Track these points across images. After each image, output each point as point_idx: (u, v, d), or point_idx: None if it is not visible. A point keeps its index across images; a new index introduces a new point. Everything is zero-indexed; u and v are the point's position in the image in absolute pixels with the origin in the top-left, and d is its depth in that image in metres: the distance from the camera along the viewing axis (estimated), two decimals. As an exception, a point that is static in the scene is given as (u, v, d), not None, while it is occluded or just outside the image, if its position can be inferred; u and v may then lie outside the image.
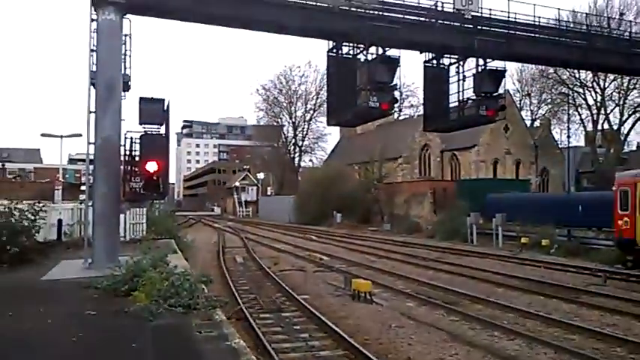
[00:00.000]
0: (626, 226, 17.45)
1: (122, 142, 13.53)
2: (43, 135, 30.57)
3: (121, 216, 17.41)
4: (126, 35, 14.11)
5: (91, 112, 13.33)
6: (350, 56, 18.16)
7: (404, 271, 18.61)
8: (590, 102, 51.42)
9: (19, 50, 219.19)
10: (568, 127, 44.49)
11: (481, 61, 18.95)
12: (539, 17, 20.59)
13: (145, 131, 13.40)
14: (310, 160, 76.76)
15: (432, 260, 22.18)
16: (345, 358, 8.62)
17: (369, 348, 9.08)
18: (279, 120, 73.51)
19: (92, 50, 13.61)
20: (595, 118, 51.78)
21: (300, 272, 18.80)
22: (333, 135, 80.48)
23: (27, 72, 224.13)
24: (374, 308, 12.68)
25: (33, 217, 14.47)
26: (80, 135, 26.54)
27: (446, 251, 25.83)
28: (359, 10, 16.90)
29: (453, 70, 20.13)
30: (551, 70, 49.62)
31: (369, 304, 13.01)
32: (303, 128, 72.81)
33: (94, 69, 13.54)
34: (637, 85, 47.33)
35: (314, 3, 16.61)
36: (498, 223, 28.49)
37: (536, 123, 62.08)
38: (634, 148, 65.88)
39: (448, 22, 19.17)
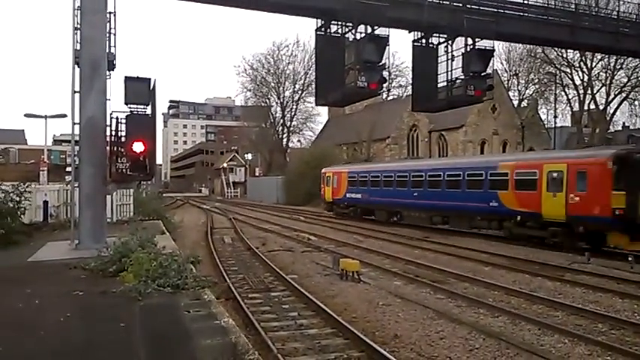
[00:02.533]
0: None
1: (108, 123, 13.36)
2: (26, 115, 30.09)
3: (108, 197, 17.30)
4: (110, 13, 13.87)
5: (75, 92, 13.16)
6: (338, 35, 18.05)
7: (391, 251, 18.76)
8: (577, 82, 51.69)
9: (1, 29, 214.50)
10: (555, 107, 44.76)
11: (470, 41, 18.93)
12: (528, -4, 20.54)
13: (130, 111, 13.21)
14: (299, 141, 76.57)
15: (418, 239, 22.37)
16: (333, 336, 8.72)
17: (357, 325, 9.19)
18: (267, 100, 72.92)
19: (76, 28, 13.37)
20: (582, 98, 52.09)
21: (289, 252, 18.88)
22: (321, 115, 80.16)
23: (9, 51, 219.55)
24: (361, 287, 12.81)
25: (18, 199, 14.35)
26: (65, 115, 26.16)
27: (432, 230, 26.03)
28: (347, -13, 16.73)
29: (441, 49, 20.14)
30: (539, 49, 49.65)
31: (356, 283, 13.14)
32: (292, 108, 72.37)
33: (78, 47, 13.31)
34: (624, 65, 47.56)
35: (302, -20, 16.41)
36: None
37: (524, 103, 62.33)
38: (619, 127, 66.60)
39: (437, 1, 19.09)
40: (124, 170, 13.22)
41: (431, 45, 20.37)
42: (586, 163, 18.52)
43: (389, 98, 71.08)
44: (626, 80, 49.15)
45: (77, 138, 13.34)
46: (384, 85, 20.18)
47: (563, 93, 52.79)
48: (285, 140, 73.92)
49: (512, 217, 20.97)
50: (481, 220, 23.08)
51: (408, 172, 28.56)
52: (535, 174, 20.11)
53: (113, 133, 13.39)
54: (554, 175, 19.22)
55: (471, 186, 23.31)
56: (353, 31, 17.41)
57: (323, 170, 38.32)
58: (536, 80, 58.05)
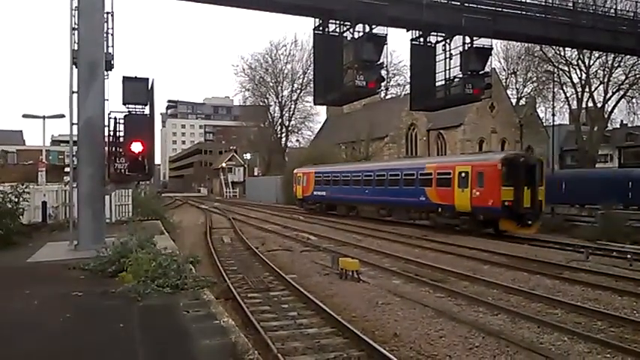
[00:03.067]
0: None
1: (106, 123, 13.33)
2: (24, 116, 30.02)
3: (107, 197, 17.28)
4: (108, 13, 13.83)
5: (73, 92, 13.13)
6: (337, 34, 18.05)
7: (391, 250, 18.77)
8: (575, 80, 51.73)
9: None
10: (553, 105, 44.78)
11: (468, 39, 18.94)
12: (526, -6, 20.54)
13: (129, 111, 13.19)
14: (297, 140, 76.48)
15: (418, 238, 22.38)
16: (332, 335, 8.72)
17: (356, 325, 9.19)
18: (266, 100, 72.86)
19: (74, 29, 13.34)
20: (580, 96, 52.14)
21: (288, 252, 18.87)
22: (320, 115, 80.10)
23: (7, 52, 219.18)
24: (361, 286, 12.81)
25: (16, 200, 14.32)
26: (63, 116, 26.11)
27: (432, 229, 26.05)
28: (345, -13, 16.71)
29: (439, 48, 20.14)
30: (537, 47, 49.70)
31: (356, 283, 13.14)
32: (290, 108, 72.34)
33: (76, 48, 13.28)
34: (621, 63, 47.62)
35: (300, -20, 16.39)
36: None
37: (522, 101, 62.40)
38: (617, 125, 66.66)
39: (435, 0, 19.08)
40: (122, 170, 13.19)
41: (429, 44, 20.39)
42: (483, 165, 22.96)
43: (387, 97, 71.16)
44: (623, 78, 49.22)
45: (75, 138, 13.31)
46: (383, 84, 20.17)
47: (561, 91, 52.87)
48: (283, 140, 73.90)
49: (435, 209, 25.48)
50: (414, 212, 27.88)
51: (361, 173, 33.36)
52: (450, 174, 24.36)
53: (111, 133, 13.36)
54: (463, 174, 23.44)
55: (407, 184, 27.99)
56: (351, 30, 17.42)
57: (295, 171, 43.49)
58: (535, 78, 58.12)
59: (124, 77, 13.11)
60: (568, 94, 53.76)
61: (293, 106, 72.15)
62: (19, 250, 13.06)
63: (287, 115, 72.49)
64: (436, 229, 24.59)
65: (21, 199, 14.55)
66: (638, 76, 47.96)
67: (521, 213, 21.48)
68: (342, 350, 7.97)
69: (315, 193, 38.86)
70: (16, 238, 13.99)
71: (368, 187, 31.98)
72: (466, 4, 19.54)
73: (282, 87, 71.58)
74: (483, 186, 22.41)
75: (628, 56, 41.48)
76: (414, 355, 7.98)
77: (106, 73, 13.66)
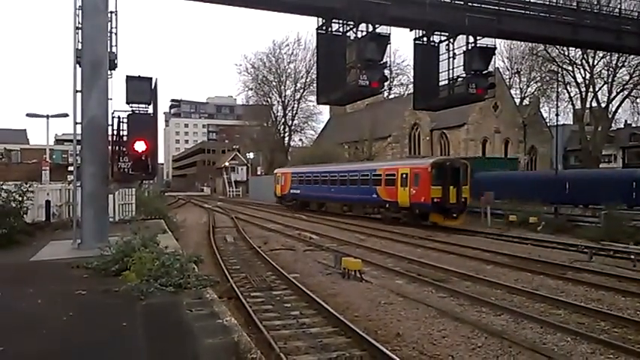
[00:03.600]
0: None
1: (109, 122, 13.35)
2: (28, 115, 30.09)
3: (110, 196, 17.31)
4: (111, 12, 13.85)
5: (77, 92, 13.15)
6: (340, 34, 18.03)
7: (393, 250, 18.75)
8: (579, 80, 51.63)
9: (2, 29, 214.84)
10: (557, 105, 44.62)
11: (471, 39, 18.90)
12: (530, -6, 20.48)
13: (132, 110, 13.20)
14: (300, 140, 76.50)
15: (420, 238, 22.36)
16: (335, 335, 8.72)
17: (359, 324, 9.19)
18: (269, 99, 72.87)
19: (77, 28, 13.36)
20: (584, 96, 52.00)
21: (291, 251, 18.88)
22: (323, 114, 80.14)
23: (11, 51, 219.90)
24: (364, 286, 12.80)
25: (20, 199, 14.36)
26: (66, 115, 26.15)
27: (435, 229, 26.03)
28: (348, -14, 16.69)
29: (443, 47, 20.11)
30: (541, 47, 49.59)
31: (358, 282, 13.14)
32: (293, 107, 72.33)
33: (80, 47, 13.31)
34: (626, 63, 47.48)
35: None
36: (487, 201, 28.70)
37: (525, 101, 62.27)
38: (621, 125, 66.45)
39: (438, -1, 19.05)
40: (125, 169, 13.21)
41: (432, 43, 20.35)
42: (418, 168, 27.69)
43: (390, 97, 71.08)
44: (628, 78, 49.08)
45: (79, 137, 13.34)
46: (386, 84, 20.15)
47: (565, 91, 52.77)
48: (286, 139, 73.91)
49: (384, 205, 30.17)
50: (369, 207, 32.78)
51: (328, 174, 37.90)
52: (394, 175, 29.08)
53: (115, 132, 13.38)
54: (404, 176, 28.17)
55: (362, 184, 32.58)
56: (354, 29, 17.40)
57: (275, 171, 49.38)
58: (538, 78, 58.04)
59: (127, 76, 13.14)
60: (572, 94, 53.70)
61: (296, 106, 72.20)
62: (22, 249, 13.09)
63: (290, 114, 72.53)
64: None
65: (25, 198, 14.59)
66: (642, 75, 47.81)
67: (448, 208, 26.22)
68: (345, 350, 7.97)
69: (291, 191, 43.64)
70: (19, 237, 14.02)
71: (333, 186, 36.76)
72: (470, 4, 19.50)
73: (285, 86, 71.62)
74: (418, 185, 27.07)
75: (632, 56, 41.36)
76: (416, 355, 7.97)
77: (109, 72, 13.69)
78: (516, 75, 61.57)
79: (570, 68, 51.04)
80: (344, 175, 35.68)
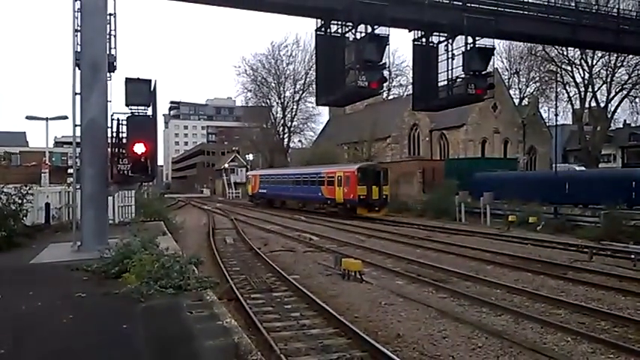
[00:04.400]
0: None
1: (109, 124, 13.34)
2: (28, 118, 30.01)
3: (110, 198, 17.29)
4: (110, 14, 13.84)
5: (76, 94, 13.14)
6: (338, 35, 18.03)
7: (393, 250, 18.75)
8: (578, 80, 51.61)
9: (2, 31, 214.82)
10: (556, 105, 44.62)
11: (470, 39, 18.90)
12: (528, -6, 20.48)
13: (131, 112, 13.20)
14: (299, 141, 76.44)
15: (420, 239, 22.36)
16: (335, 336, 8.72)
17: (359, 325, 9.19)
18: (268, 101, 72.81)
19: (76, 30, 13.37)
20: (582, 96, 52.01)
21: (291, 252, 18.88)
22: (322, 115, 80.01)
23: (10, 53, 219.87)
24: (364, 287, 12.80)
25: (20, 201, 14.35)
26: (66, 117, 26.09)
27: (435, 230, 26.05)
28: (347, -13, 16.69)
29: (442, 48, 20.10)
30: (540, 47, 49.60)
31: (358, 283, 13.13)
32: (292, 109, 72.27)
33: (79, 49, 13.31)
34: (624, 63, 47.49)
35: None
36: (486, 201, 28.76)
37: (525, 101, 62.29)
38: (620, 125, 66.48)
39: (437, 0, 19.05)
40: (125, 171, 13.20)
41: (431, 44, 20.35)
42: (348, 172, 34.94)
43: (389, 97, 71.07)
44: (626, 78, 49.09)
45: (78, 140, 13.33)
46: (385, 85, 20.16)
47: (564, 91, 52.76)
48: (286, 140, 73.87)
49: (326, 201, 37.54)
50: (316, 204, 39.71)
51: (287, 176, 45.87)
52: (333, 177, 36.40)
53: (114, 134, 13.37)
54: (339, 177, 35.57)
55: (312, 184, 39.74)
56: (353, 30, 17.41)
57: (247, 173, 61.34)
58: (537, 78, 58.02)
59: (126, 79, 13.13)
60: (571, 94, 53.72)
61: (295, 107, 72.15)
62: (22, 252, 13.08)
63: (289, 115, 72.49)
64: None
65: (25, 200, 14.58)
66: (641, 75, 47.82)
67: (371, 203, 33.48)
68: (345, 351, 7.97)
69: (259, 190, 51.58)
70: (19, 240, 14.01)
71: (291, 186, 43.73)
72: (468, 4, 19.51)
73: (284, 87, 71.60)
74: (349, 185, 34.36)
75: (631, 56, 41.38)
76: (417, 356, 7.97)
77: (108, 74, 13.68)
78: (515, 75, 61.61)
79: (569, 68, 51.07)
80: (298, 177, 42.85)
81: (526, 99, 62.28)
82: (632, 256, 15.89)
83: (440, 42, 20.17)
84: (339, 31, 18.05)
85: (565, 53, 49.50)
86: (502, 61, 59.50)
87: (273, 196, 48.23)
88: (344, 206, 35.28)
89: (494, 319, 9.92)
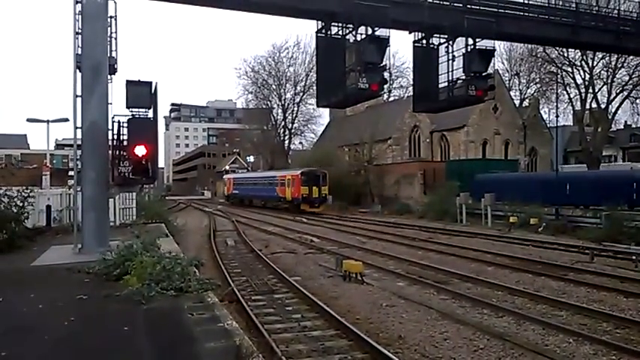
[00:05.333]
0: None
1: (110, 127, 13.35)
2: (29, 120, 30.08)
3: (111, 201, 17.31)
4: (111, 17, 13.87)
5: (77, 97, 13.15)
6: (339, 37, 18.02)
7: (394, 252, 18.75)
8: (579, 81, 51.51)
9: (2, 34, 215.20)
10: (556, 106, 44.55)
11: (470, 41, 18.89)
12: (528, -4, 20.47)
13: (132, 115, 13.22)
14: (300, 143, 76.44)
15: (422, 240, 22.36)
16: (336, 338, 8.71)
17: (361, 327, 9.19)
18: (269, 102, 72.86)
19: (77, 33, 13.37)
20: (583, 97, 51.91)
21: (292, 254, 18.88)
22: (323, 117, 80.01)
23: (11, 56, 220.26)
24: (365, 288, 12.80)
25: (21, 204, 14.36)
26: (67, 120, 26.16)
27: (436, 231, 26.05)
28: (347, -11, 16.68)
29: (442, 49, 20.08)
30: (540, 49, 49.56)
31: (360, 285, 13.13)
32: (293, 110, 72.30)
33: (80, 52, 13.32)
34: (625, 64, 47.42)
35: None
36: (487, 203, 28.76)
37: (525, 103, 62.26)
38: (621, 126, 66.43)
39: (437, 1, 19.06)
40: (126, 174, 13.20)
41: (432, 45, 20.33)
42: (294, 175, 43.73)
43: (390, 99, 71.05)
44: (627, 79, 48.98)
45: (79, 142, 13.34)
46: (385, 86, 20.13)
47: (564, 92, 52.65)
48: (286, 142, 73.90)
49: (280, 199, 46.20)
50: (273, 201, 48.36)
51: (253, 178, 57.72)
52: (285, 178, 45.35)
53: (115, 136, 13.39)
54: (288, 180, 44.40)
55: (269, 185, 49.02)
56: (353, 32, 17.39)
57: (223, 176, 72.32)
58: (538, 80, 58.01)
59: (127, 81, 13.15)
60: (571, 95, 53.62)
61: (296, 109, 72.18)
62: (23, 254, 13.09)
63: (290, 117, 72.51)
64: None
65: (26, 203, 14.59)
66: (641, 76, 47.73)
67: (311, 200, 42.33)
68: (347, 353, 7.97)
69: (233, 191, 61.96)
70: (20, 242, 14.02)
71: (256, 187, 54.21)
72: (468, 6, 19.50)
73: (284, 89, 71.64)
74: (295, 186, 43.15)
75: (631, 57, 41.33)
76: (418, 358, 7.96)
77: (109, 77, 13.70)
78: (516, 76, 61.61)
79: (570, 69, 50.98)
80: (261, 180, 53.09)
81: (527, 100, 62.26)
82: (634, 257, 15.87)
83: (440, 43, 20.15)
84: (340, 32, 18.04)
85: (565, 54, 49.46)
86: (503, 63, 59.56)
87: (243, 196, 57.84)
88: (292, 203, 43.69)
89: (495, 320, 9.91)
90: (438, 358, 7.93)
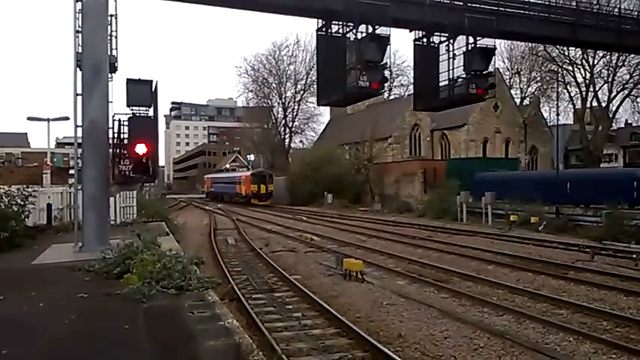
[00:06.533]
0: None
1: (110, 125, 13.37)
2: (29, 119, 30.02)
3: (111, 199, 17.32)
4: (111, 15, 13.86)
5: (77, 95, 13.16)
6: (339, 35, 18.00)
7: (395, 250, 18.75)
8: (580, 79, 51.60)
9: (3, 33, 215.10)
10: (557, 104, 44.48)
11: (471, 39, 18.87)
12: (529, -6, 20.44)
13: (133, 113, 13.23)
14: (301, 141, 76.53)
15: (422, 239, 22.36)
16: (337, 336, 8.72)
17: (361, 325, 9.20)
18: (269, 101, 72.94)
19: (77, 31, 13.37)
20: (584, 96, 51.98)
21: (292, 253, 18.89)
22: (323, 115, 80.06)
23: (11, 55, 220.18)
24: (365, 287, 12.81)
25: (22, 202, 14.36)
26: (67, 118, 26.07)
27: (436, 230, 26.04)
28: (348, -13, 16.66)
29: (443, 48, 20.06)
30: (541, 47, 49.60)
31: (360, 283, 13.14)
32: (293, 109, 72.39)
33: (80, 50, 13.32)
34: (626, 62, 47.46)
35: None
36: (488, 201, 28.75)
37: (526, 101, 62.25)
38: (622, 125, 66.40)
39: (438, 0, 19.03)
40: (126, 172, 13.22)
41: (432, 44, 20.31)
42: (246, 175, 56.89)
43: (391, 98, 71.08)
44: (628, 77, 49.07)
45: (80, 140, 13.35)
46: (386, 85, 20.10)
47: (565, 91, 52.75)
48: (287, 141, 73.95)
49: (239, 195, 56.59)
50: (235, 197, 58.53)
51: (223, 178, 68.50)
52: (241, 178, 57.80)
53: (115, 135, 13.41)
54: (243, 179, 56.66)
55: (232, 184, 60.34)
56: (354, 30, 17.37)
57: (205, 176, 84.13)
58: (538, 78, 58.05)
59: (127, 79, 13.17)
60: (572, 94, 53.70)
61: (296, 107, 72.28)
62: (24, 252, 13.10)
63: (290, 116, 72.62)
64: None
65: (27, 202, 14.60)
66: (642, 75, 47.73)
67: (259, 195, 53.21)
68: (347, 351, 7.97)
69: (210, 189, 73.05)
70: (21, 241, 14.02)
71: (225, 185, 64.90)
72: (469, 4, 19.49)
73: (285, 88, 71.73)
74: (246, 184, 54.42)
75: (632, 55, 41.34)
76: (418, 356, 7.97)
77: (109, 75, 13.70)
78: (516, 75, 61.59)
79: (570, 68, 51.06)
80: (228, 179, 64.99)
81: (527, 99, 62.28)
82: (634, 256, 15.87)
83: (441, 42, 20.13)
84: (340, 31, 18.02)
85: (566, 53, 49.52)
86: (503, 61, 59.56)
87: (217, 193, 67.72)
88: (245, 198, 54.53)
89: (495, 319, 9.92)
90: (438, 357, 7.94)
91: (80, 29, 13.33)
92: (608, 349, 8.11)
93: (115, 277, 9.39)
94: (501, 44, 53.31)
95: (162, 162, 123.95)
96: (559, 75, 47.85)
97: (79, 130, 13.22)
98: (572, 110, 57.25)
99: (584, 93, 51.68)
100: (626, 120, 65.49)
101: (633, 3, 34.84)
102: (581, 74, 51.00)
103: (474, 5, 19.56)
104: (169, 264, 9.01)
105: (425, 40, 20.36)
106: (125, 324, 6.76)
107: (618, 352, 8.00)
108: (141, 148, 12.76)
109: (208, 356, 5.63)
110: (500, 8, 20.17)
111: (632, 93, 50.10)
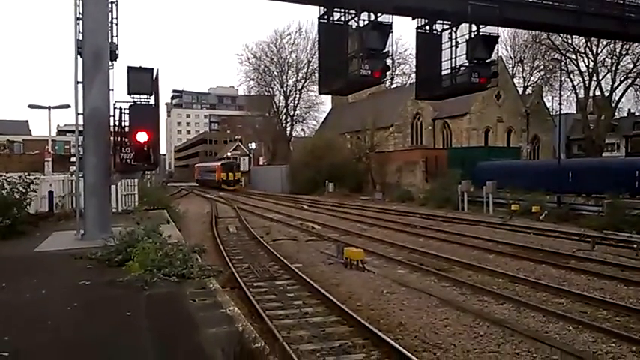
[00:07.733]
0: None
1: (111, 113, 13.35)
2: (30, 106, 30.05)
3: (113, 187, 17.34)
4: (112, 2, 13.78)
5: (78, 83, 13.12)
6: (341, 22, 17.86)
7: (396, 239, 18.79)
8: (583, 68, 51.31)
9: (3, 20, 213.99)
10: (560, 93, 44.23)
11: (474, 27, 18.72)
12: (533, -18, 20.21)
13: (134, 101, 13.19)
14: (302, 130, 76.36)
15: (423, 228, 22.38)
16: (337, 324, 8.77)
17: (362, 313, 9.24)
18: (271, 89, 72.66)
19: (78, 19, 13.31)
20: (587, 85, 51.73)
21: (293, 241, 18.93)
22: (325, 104, 79.96)
23: (13, 42, 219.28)
24: (366, 275, 12.85)
25: (24, 190, 14.40)
26: (68, 106, 26.08)
27: (437, 219, 26.06)
28: (350, -26, 16.49)
29: (445, 36, 19.89)
30: (544, 35, 49.28)
31: (361, 272, 13.18)
32: (295, 97, 72.12)
33: (81, 38, 13.26)
34: (629, 51, 47.15)
35: (304, -32, 16.18)
36: (489, 190, 28.73)
37: (528, 90, 61.97)
38: (625, 114, 66.11)
39: (441, -13, 18.83)
40: (128, 160, 13.22)
41: (435, 32, 20.14)
42: (218, 165, 69.85)
43: (392, 86, 70.77)
44: (631, 66, 48.80)
45: (81, 128, 13.34)
46: (388, 73, 19.98)
47: (568, 79, 52.43)
48: (288, 129, 73.79)
49: (216, 181, 66.01)
50: (212, 184, 66.90)
51: (206, 167, 78.58)
52: (216, 167, 69.36)
53: (117, 123, 13.38)
54: (216, 168, 68.79)
55: (212, 172, 70.75)
56: (356, 18, 17.23)
57: (195, 165, 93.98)
58: (541, 67, 57.72)
59: (128, 67, 13.10)
60: (575, 83, 53.41)
61: (298, 96, 72.01)
62: (26, 240, 13.16)
63: (292, 104, 72.37)
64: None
65: (29, 189, 14.63)
66: (646, 64, 47.45)
67: (228, 182, 63.75)
68: (348, 339, 8.01)
69: (199, 177, 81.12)
70: (23, 228, 14.08)
71: (207, 173, 73.83)
72: (472, -8, 19.28)
73: (286, 76, 71.41)
74: (217, 173, 66.33)
75: (636, 44, 41.03)
76: (419, 344, 8.01)
77: (110, 63, 13.65)
78: (519, 64, 61.29)
79: (573, 56, 50.78)
80: (209, 168, 73.54)
81: (530, 87, 61.99)
82: (635, 246, 15.89)
83: (443, 30, 19.95)
84: (342, 19, 17.88)
85: (570, 41, 49.19)
86: (506, 50, 59.24)
87: (202, 180, 76.39)
88: (218, 183, 64.19)
89: (495, 307, 9.96)
90: (438, 345, 7.98)
91: (81, 16, 13.26)
92: (608, 338, 8.14)
93: (116, 264, 9.44)
94: (504, 32, 53.09)
95: (163, 150, 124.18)
96: (562, 64, 47.55)
97: (80, 117, 13.21)
98: (575, 99, 57.05)
99: (587, 82, 51.46)
100: (629, 109, 65.26)
101: (638, -9, 34.50)
102: (585, 63, 50.75)
103: (477, -7, 19.35)
104: (171, 252, 9.07)
105: (427, 28, 20.18)
106: (127, 311, 6.81)
107: (618, 341, 8.03)
108: (142, 136, 12.75)
109: (210, 343, 5.67)
110: (504, -4, 19.96)
111: (636, 82, 49.84)
